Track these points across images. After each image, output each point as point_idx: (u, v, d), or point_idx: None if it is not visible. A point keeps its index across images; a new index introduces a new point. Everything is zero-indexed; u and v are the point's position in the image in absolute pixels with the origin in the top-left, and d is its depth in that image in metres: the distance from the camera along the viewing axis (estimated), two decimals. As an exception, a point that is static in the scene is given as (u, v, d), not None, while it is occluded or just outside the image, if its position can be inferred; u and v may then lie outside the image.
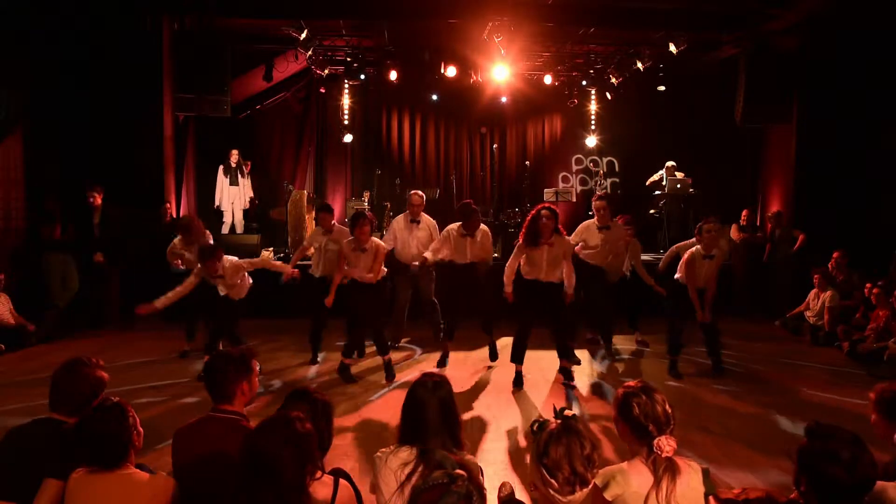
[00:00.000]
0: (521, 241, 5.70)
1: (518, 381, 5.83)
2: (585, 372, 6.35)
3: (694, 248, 6.06)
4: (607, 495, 2.07)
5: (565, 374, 5.90)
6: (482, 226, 6.41)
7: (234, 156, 10.33)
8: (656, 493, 2.04)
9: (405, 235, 6.84)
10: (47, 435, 2.48)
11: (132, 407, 2.40)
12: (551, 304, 5.74)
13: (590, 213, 6.87)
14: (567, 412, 1.98)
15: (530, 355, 6.25)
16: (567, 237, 5.84)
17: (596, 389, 5.81)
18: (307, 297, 6.58)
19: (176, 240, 6.68)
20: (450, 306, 6.59)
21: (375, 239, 6.17)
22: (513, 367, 5.89)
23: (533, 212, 5.69)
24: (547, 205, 5.76)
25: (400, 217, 7.02)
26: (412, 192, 7.03)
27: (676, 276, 6.23)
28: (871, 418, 2.53)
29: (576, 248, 6.30)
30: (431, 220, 6.96)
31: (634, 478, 2.09)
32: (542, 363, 6.44)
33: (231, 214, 10.46)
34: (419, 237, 6.80)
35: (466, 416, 4.87)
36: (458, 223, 6.34)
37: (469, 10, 8.45)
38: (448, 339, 6.55)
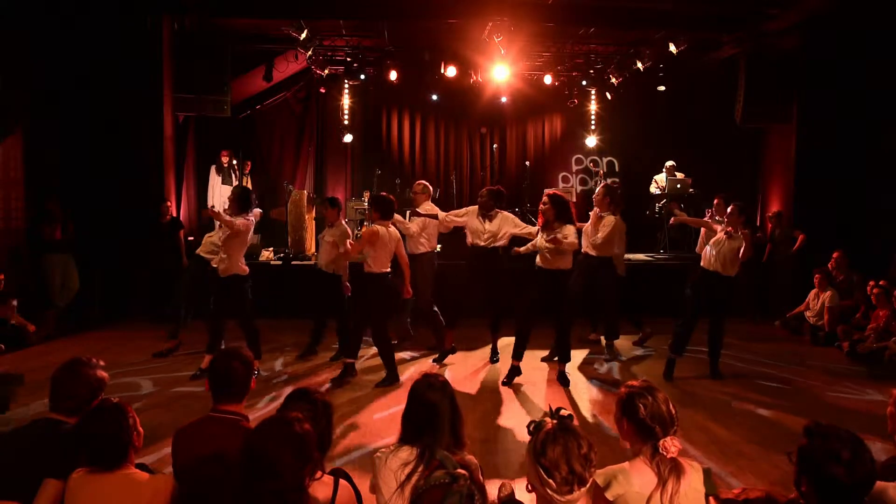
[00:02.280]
0: (539, 224, 5.78)
1: (511, 375, 5.87)
2: (585, 371, 6.35)
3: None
4: (609, 495, 2.07)
5: (562, 380, 5.88)
6: (501, 212, 6.38)
7: (225, 156, 10.37)
8: (661, 493, 2.05)
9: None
10: (47, 435, 2.48)
11: (132, 407, 2.40)
12: (555, 292, 5.72)
13: (590, 212, 6.86)
14: (563, 412, 1.98)
15: (530, 354, 6.25)
16: (573, 226, 5.64)
17: (595, 389, 5.81)
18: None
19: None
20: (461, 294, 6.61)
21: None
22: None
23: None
24: (552, 191, 5.78)
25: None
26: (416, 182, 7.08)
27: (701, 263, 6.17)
28: (888, 411, 2.52)
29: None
30: (433, 206, 6.90)
31: (636, 478, 2.10)
32: (542, 363, 6.44)
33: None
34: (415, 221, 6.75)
35: (466, 415, 4.86)
36: (477, 205, 6.42)
37: (469, 10, 8.45)
38: (449, 328, 6.60)
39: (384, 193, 6.11)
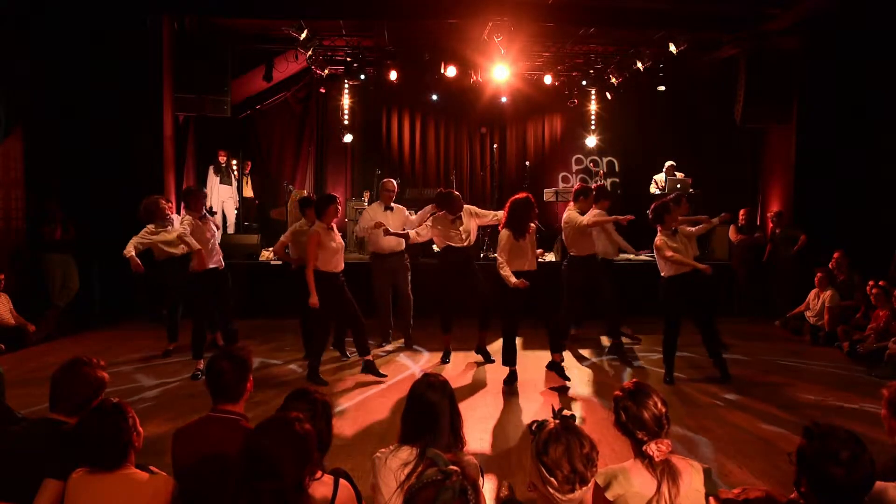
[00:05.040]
0: (508, 232, 5.63)
1: (511, 379, 5.84)
2: (585, 370, 6.35)
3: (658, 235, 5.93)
4: (609, 495, 2.07)
5: (558, 371, 5.84)
6: (465, 205, 6.48)
7: (223, 156, 10.40)
8: (658, 496, 2.05)
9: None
10: (47, 435, 2.48)
11: (132, 407, 2.40)
12: (543, 291, 5.74)
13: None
14: (565, 412, 1.98)
15: (528, 355, 6.25)
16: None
17: (595, 389, 5.81)
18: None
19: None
20: (448, 295, 6.58)
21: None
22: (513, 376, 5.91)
23: (514, 201, 5.66)
24: (523, 195, 5.78)
25: (374, 204, 7.14)
26: (385, 180, 7.22)
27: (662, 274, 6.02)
28: (882, 413, 2.53)
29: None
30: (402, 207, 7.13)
31: (636, 478, 2.10)
32: (541, 363, 6.44)
33: (222, 214, 10.48)
34: (393, 223, 6.81)
35: (466, 415, 4.87)
36: (443, 211, 6.38)
37: (469, 10, 8.44)
38: (446, 333, 6.61)
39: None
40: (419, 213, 6.97)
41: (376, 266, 7.07)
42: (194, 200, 6.13)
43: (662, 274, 5.92)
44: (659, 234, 5.92)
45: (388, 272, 7.03)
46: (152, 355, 6.76)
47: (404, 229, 6.71)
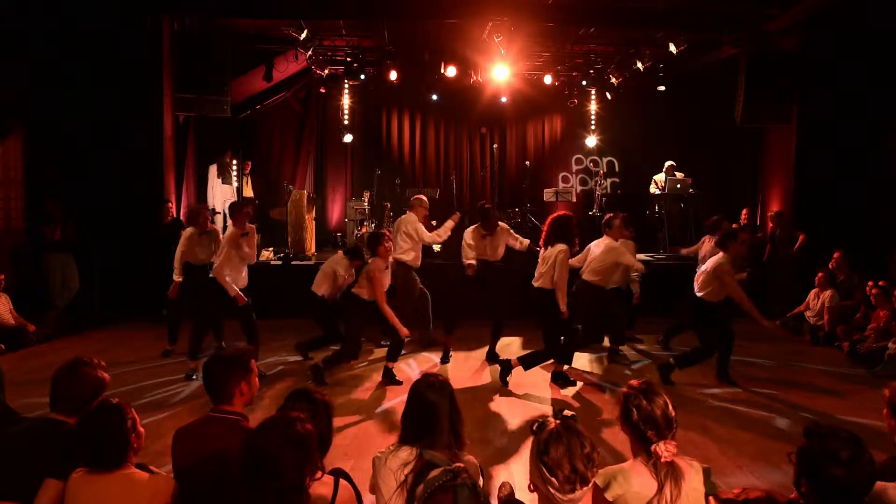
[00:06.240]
0: (566, 247, 5.60)
1: (506, 373, 5.84)
2: (585, 370, 6.35)
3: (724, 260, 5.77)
4: (608, 495, 2.07)
5: (563, 379, 5.86)
6: (500, 224, 6.66)
7: (228, 156, 10.41)
8: (659, 498, 2.05)
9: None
10: (47, 435, 2.48)
11: (132, 407, 2.40)
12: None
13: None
14: (566, 412, 1.98)
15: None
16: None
17: (596, 389, 5.82)
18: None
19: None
20: (465, 302, 6.67)
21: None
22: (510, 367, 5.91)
23: (559, 218, 5.73)
24: (563, 212, 5.99)
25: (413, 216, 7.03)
26: (422, 196, 7.26)
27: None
28: (883, 412, 2.54)
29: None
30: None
31: (636, 478, 2.10)
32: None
33: (223, 214, 10.48)
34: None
35: (466, 415, 4.86)
36: (477, 224, 6.59)
37: (469, 10, 8.45)
38: (450, 335, 6.63)
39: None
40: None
41: (413, 278, 6.91)
42: (239, 217, 6.11)
43: (713, 300, 5.87)
44: (723, 258, 5.80)
45: (417, 281, 7.02)
46: (152, 355, 6.76)
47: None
